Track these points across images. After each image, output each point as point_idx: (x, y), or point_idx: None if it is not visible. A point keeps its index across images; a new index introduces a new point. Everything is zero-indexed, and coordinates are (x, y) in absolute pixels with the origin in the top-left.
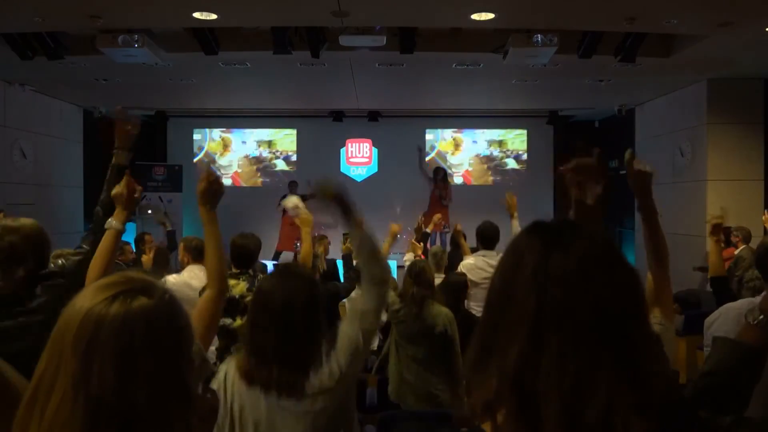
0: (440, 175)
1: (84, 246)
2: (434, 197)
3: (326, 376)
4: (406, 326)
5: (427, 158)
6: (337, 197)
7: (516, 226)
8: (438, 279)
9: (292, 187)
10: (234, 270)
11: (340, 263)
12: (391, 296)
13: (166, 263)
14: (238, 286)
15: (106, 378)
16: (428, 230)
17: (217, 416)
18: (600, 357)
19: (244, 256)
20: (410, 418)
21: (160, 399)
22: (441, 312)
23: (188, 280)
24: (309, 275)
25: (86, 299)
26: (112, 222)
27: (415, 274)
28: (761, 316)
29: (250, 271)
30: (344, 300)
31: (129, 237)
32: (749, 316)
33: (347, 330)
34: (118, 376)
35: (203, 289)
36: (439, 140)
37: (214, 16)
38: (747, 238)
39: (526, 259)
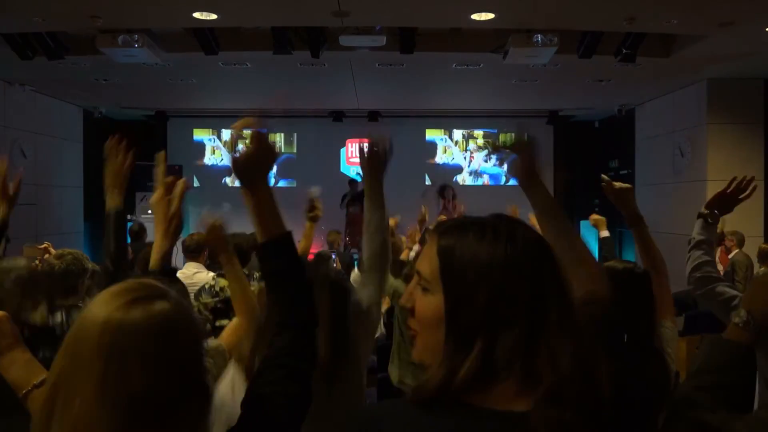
0: (450, 194)
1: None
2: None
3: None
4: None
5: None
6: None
7: None
8: None
9: (353, 186)
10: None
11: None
12: (398, 283)
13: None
14: None
15: (136, 378)
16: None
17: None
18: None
19: (240, 255)
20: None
21: (185, 395)
22: None
23: (184, 279)
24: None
25: (103, 306)
26: (111, 206)
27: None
28: (746, 317)
29: (246, 270)
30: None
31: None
32: (735, 317)
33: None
34: (147, 375)
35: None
36: (447, 141)
37: (214, 16)
38: (741, 243)
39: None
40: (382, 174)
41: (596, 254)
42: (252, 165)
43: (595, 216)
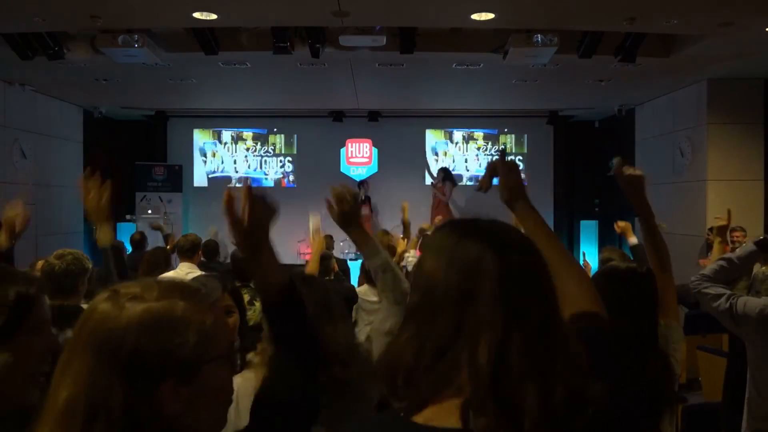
0: (440, 175)
1: None
2: (437, 202)
3: None
4: None
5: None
6: (354, 210)
7: None
8: None
9: (363, 187)
10: (237, 283)
11: (353, 265)
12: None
13: (167, 263)
14: None
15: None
16: (428, 233)
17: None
18: (555, 347)
19: (242, 270)
20: None
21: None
22: None
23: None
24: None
25: (142, 301)
26: (105, 241)
27: None
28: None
29: (251, 284)
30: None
31: (127, 238)
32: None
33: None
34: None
35: None
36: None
37: (214, 16)
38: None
39: (484, 265)
40: (357, 223)
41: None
42: (253, 230)
43: (620, 223)
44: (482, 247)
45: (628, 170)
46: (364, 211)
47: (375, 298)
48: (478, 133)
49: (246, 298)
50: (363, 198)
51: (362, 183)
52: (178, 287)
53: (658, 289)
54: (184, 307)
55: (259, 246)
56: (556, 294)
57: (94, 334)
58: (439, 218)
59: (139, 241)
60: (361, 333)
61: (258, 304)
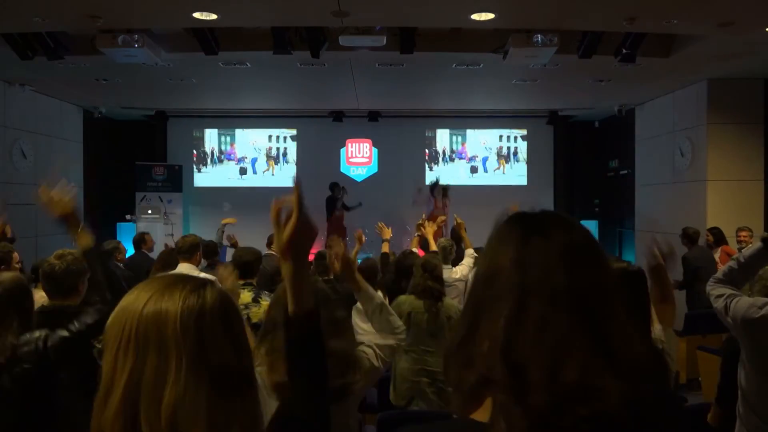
0: (440, 191)
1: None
2: (433, 217)
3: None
4: (424, 320)
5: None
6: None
7: None
8: (445, 272)
9: (335, 190)
10: (240, 281)
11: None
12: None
13: (175, 264)
14: (243, 296)
15: (213, 355)
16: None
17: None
18: (577, 328)
19: (243, 268)
20: (410, 418)
21: (250, 367)
22: (451, 304)
23: None
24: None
25: (166, 299)
26: (82, 245)
27: (430, 269)
28: None
29: (254, 282)
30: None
31: (127, 238)
32: None
33: (368, 352)
34: (222, 352)
35: None
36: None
37: (214, 16)
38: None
39: (510, 245)
40: (352, 277)
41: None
42: (300, 242)
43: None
44: (525, 231)
45: (655, 257)
46: (338, 213)
47: None
48: (479, 133)
49: (249, 297)
50: (341, 205)
51: (335, 185)
52: None
53: (658, 311)
54: None
55: (300, 259)
56: (603, 281)
57: None
58: (442, 218)
59: (138, 241)
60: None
61: (264, 303)
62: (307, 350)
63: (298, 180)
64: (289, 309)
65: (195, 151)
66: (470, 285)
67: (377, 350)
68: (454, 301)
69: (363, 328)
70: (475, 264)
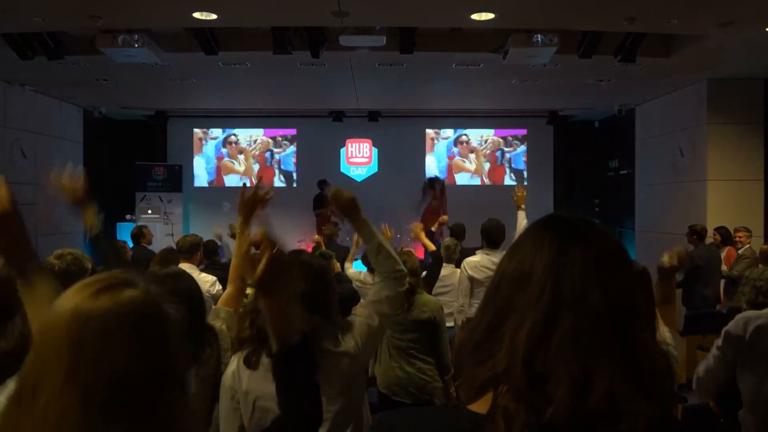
0: (439, 185)
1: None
2: (430, 209)
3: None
4: (398, 315)
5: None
6: (351, 202)
7: (522, 218)
8: (447, 270)
9: (322, 186)
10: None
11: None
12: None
13: (175, 262)
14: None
15: (104, 366)
16: (432, 229)
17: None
18: (609, 345)
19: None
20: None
21: (157, 385)
22: (429, 300)
23: None
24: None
25: (71, 296)
26: (92, 228)
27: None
28: None
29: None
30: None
31: (127, 238)
32: None
33: (362, 312)
34: (115, 363)
35: None
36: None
37: (214, 16)
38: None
39: (545, 249)
40: (355, 215)
41: None
42: (272, 281)
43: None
44: (549, 236)
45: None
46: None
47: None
48: (479, 133)
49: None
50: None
51: (323, 182)
52: None
53: (660, 313)
54: None
55: (275, 294)
56: (634, 296)
57: None
58: (445, 217)
59: (137, 235)
60: None
61: (250, 293)
62: (299, 384)
63: (259, 175)
64: (272, 346)
65: (195, 151)
66: (494, 282)
67: (373, 308)
68: (432, 298)
69: (361, 279)
70: (501, 261)
